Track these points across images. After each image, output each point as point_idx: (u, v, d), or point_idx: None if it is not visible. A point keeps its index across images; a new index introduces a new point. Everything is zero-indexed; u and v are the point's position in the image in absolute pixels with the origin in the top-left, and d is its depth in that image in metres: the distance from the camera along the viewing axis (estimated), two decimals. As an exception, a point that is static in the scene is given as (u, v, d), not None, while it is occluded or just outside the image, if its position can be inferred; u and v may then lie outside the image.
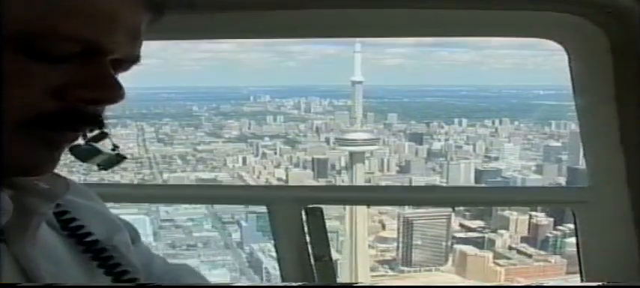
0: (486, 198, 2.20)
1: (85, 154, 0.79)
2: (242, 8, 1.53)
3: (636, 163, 1.63)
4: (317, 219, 1.92)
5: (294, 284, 1.99)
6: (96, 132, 0.75)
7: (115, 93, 0.70)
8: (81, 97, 0.67)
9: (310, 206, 1.87)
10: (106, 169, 0.84)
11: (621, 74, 1.56)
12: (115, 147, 0.82)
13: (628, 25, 1.50)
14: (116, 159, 0.83)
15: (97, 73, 0.68)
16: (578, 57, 1.61)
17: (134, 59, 0.73)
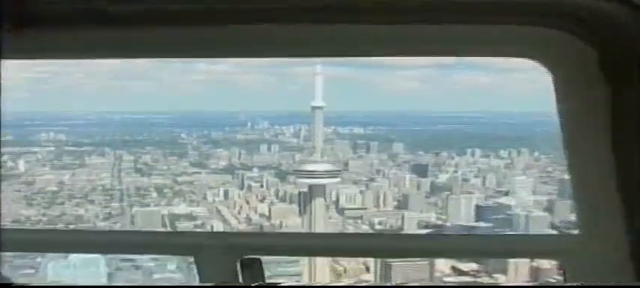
0: (453, 247, 2.06)
1: None
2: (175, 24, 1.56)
3: (636, 209, 1.55)
4: (254, 271, 1.86)
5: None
6: None
7: None
8: None
9: (247, 257, 1.86)
10: None
11: (617, 102, 1.46)
12: None
13: (624, 42, 1.39)
14: None
15: None
16: (564, 80, 1.54)
17: None
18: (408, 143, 77.32)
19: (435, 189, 56.57)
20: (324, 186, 37.48)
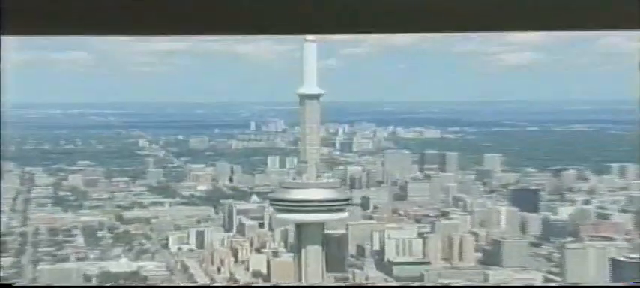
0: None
1: None
2: None
3: None
4: None
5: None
6: None
7: None
8: None
9: None
10: None
11: None
12: None
13: None
14: None
15: None
16: None
17: None
18: (510, 154, 76.72)
19: (549, 231, 56.04)
20: (322, 225, 36.61)
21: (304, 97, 38.89)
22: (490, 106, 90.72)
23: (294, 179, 38.66)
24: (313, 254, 34.16)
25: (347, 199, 41.66)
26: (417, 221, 53.02)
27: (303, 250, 33.70)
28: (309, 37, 37.00)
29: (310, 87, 39.11)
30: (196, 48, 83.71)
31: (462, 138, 76.06)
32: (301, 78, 39.25)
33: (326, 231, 45.39)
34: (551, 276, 44.78)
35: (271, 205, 39.86)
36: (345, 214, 40.70)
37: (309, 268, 33.13)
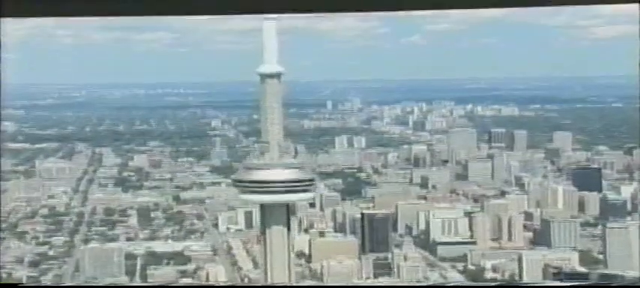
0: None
1: None
2: None
3: None
4: None
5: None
6: None
7: None
8: None
9: None
10: None
11: None
12: None
13: None
14: None
15: None
16: None
17: None
18: (589, 132, 75.85)
19: (607, 210, 55.39)
20: (285, 207, 36.38)
21: (265, 77, 39.26)
22: (577, 82, 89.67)
23: (258, 159, 39.18)
24: (278, 235, 34.57)
25: (311, 180, 41.53)
26: (475, 201, 53.27)
27: (267, 232, 34.12)
28: (269, 14, 37.37)
29: (271, 66, 39.56)
30: (279, 26, 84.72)
31: (542, 116, 75.51)
32: (261, 57, 39.75)
33: (368, 211, 46.52)
34: (596, 255, 44.71)
35: (235, 186, 40.17)
36: (310, 194, 40.66)
37: (273, 249, 33.66)
